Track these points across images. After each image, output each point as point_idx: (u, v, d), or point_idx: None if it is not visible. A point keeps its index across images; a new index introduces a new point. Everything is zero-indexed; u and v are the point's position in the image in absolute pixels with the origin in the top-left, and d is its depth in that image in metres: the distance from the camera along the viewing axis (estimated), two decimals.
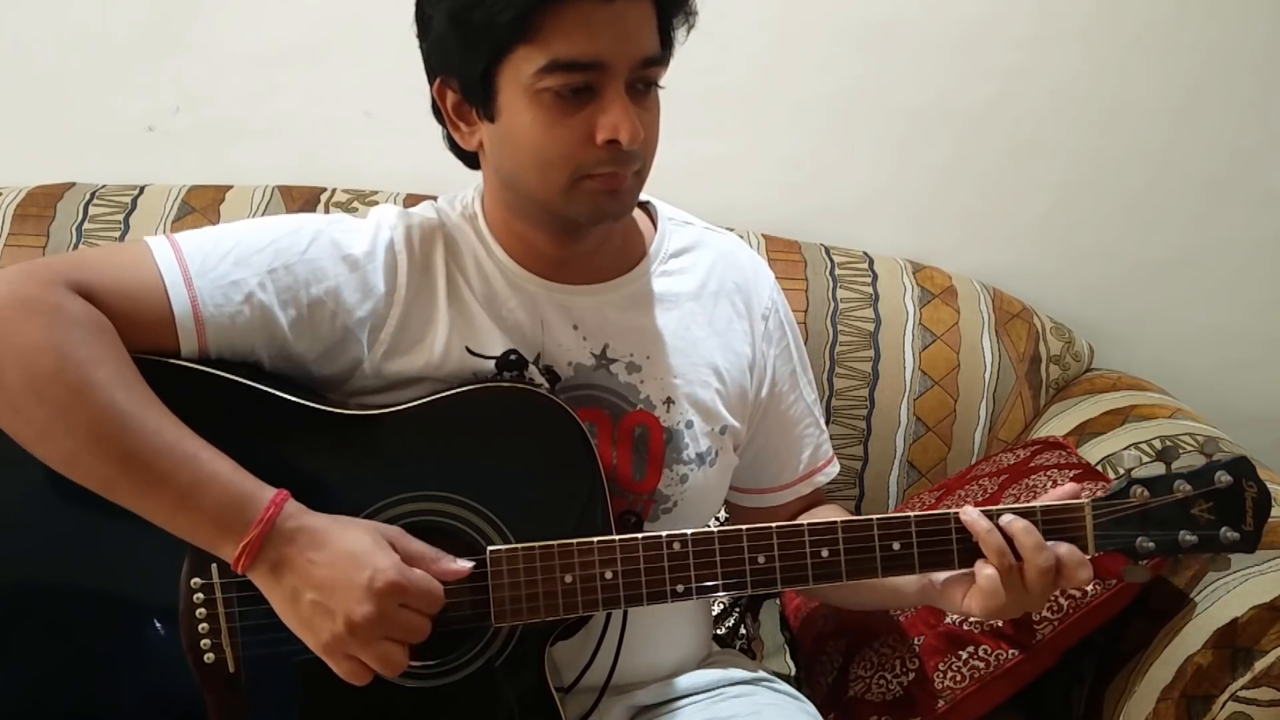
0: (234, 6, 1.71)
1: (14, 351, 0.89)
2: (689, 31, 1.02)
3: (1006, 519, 0.98)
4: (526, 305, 1.06)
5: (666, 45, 1.00)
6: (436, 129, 1.07)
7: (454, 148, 1.07)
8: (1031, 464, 1.38)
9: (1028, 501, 1.27)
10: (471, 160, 1.08)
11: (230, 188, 1.67)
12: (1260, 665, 1.06)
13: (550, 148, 0.96)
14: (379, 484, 0.98)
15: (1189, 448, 1.37)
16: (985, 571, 0.97)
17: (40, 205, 1.63)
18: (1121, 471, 1.00)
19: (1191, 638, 1.11)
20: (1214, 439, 1.01)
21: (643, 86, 0.98)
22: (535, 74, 0.94)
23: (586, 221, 1.02)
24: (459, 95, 1.01)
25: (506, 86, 0.96)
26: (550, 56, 0.93)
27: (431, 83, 1.03)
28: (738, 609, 1.48)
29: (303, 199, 1.66)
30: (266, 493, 0.91)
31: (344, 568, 0.89)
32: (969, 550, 0.98)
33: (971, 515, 0.98)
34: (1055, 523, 0.99)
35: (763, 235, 1.69)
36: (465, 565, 0.94)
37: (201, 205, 1.64)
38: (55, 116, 1.74)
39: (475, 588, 0.96)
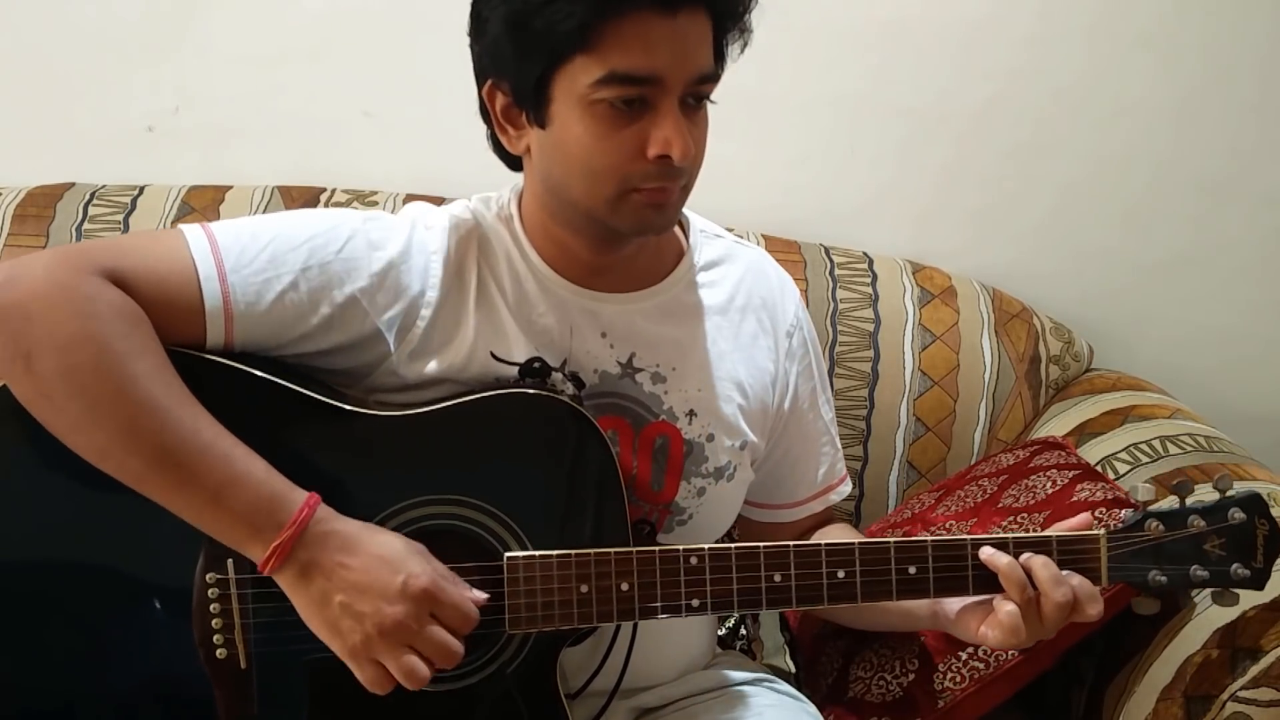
0: (233, 6, 1.70)
1: (51, 340, 0.87)
2: (743, 50, 1.01)
3: (1025, 556, 0.98)
4: (557, 310, 1.06)
5: (719, 61, 0.99)
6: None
7: (498, 149, 1.06)
8: (1031, 464, 1.38)
9: (1028, 502, 1.29)
10: (514, 163, 1.07)
11: (230, 188, 1.67)
12: (1260, 665, 1.07)
13: (600, 158, 0.96)
14: (398, 486, 0.97)
15: (1190, 447, 1.38)
16: (1006, 608, 0.97)
17: (40, 205, 1.62)
18: (1138, 504, 1.02)
19: (1191, 638, 1.12)
20: (1226, 475, 1.02)
21: (694, 102, 0.97)
22: (591, 85, 0.93)
23: (630, 233, 1.01)
24: (509, 99, 0.99)
25: (560, 95, 0.95)
26: (608, 68, 0.92)
27: (481, 84, 1.02)
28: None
29: (302, 199, 1.65)
30: (299, 495, 0.90)
31: (377, 571, 0.89)
32: (984, 577, 0.99)
33: (990, 552, 0.99)
34: (1070, 553, 1.00)
35: (762, 235, 1.69)
36: (481, 596, 0.94)
37: (201, 205, 1.63)
38: (55, 116, 1.73)
39: (491, 594, 0.96)
